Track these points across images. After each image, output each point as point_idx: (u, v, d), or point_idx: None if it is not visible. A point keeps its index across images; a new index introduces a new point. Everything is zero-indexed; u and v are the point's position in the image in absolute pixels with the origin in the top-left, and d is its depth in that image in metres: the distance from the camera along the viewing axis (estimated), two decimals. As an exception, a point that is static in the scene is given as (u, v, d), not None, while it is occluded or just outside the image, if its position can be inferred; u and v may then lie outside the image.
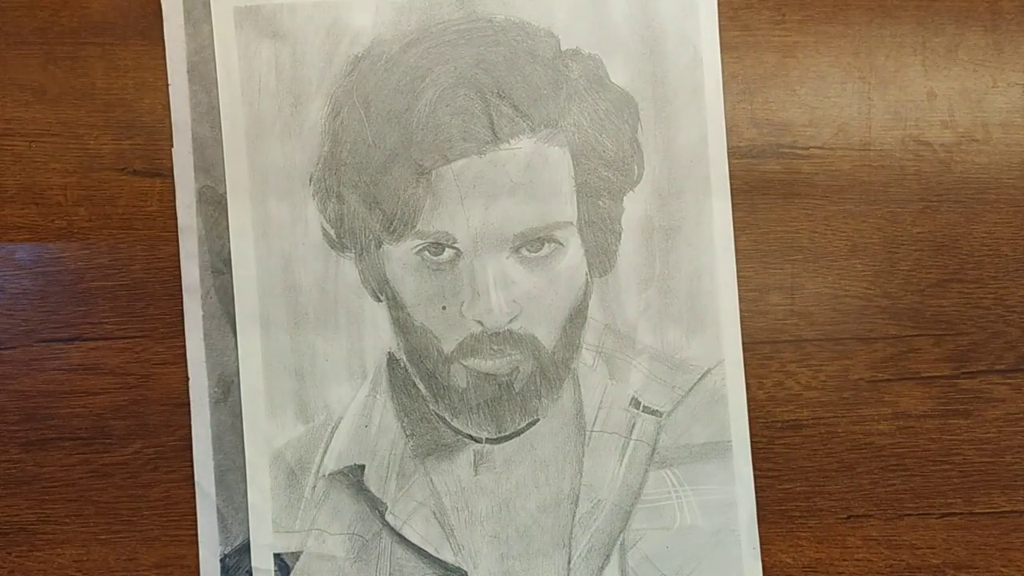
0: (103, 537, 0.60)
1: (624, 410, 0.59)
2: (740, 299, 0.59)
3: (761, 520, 0.59)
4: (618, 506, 0.59)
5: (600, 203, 0.59)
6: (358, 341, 0.60)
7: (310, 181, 0.60)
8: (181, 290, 0.60)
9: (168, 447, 0.60)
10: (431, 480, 0.59)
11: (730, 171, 0.59)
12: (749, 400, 0.59)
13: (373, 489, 0.59)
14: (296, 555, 0.59)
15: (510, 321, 0.59)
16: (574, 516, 0.59)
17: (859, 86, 0.59)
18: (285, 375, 0.60)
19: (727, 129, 0.59)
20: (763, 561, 0.59)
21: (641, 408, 0.59)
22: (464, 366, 0.59)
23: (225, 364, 0.60)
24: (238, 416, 0.60)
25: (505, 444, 0.59)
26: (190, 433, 0.60)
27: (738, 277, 0.59)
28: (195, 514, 0.60)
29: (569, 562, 0.59)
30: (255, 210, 0.60)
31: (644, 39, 0.59)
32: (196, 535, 0.60)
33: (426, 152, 0.58)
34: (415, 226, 0.59)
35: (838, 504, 0.59)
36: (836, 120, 0.59)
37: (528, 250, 0.59)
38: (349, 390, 0.60)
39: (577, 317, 0.59)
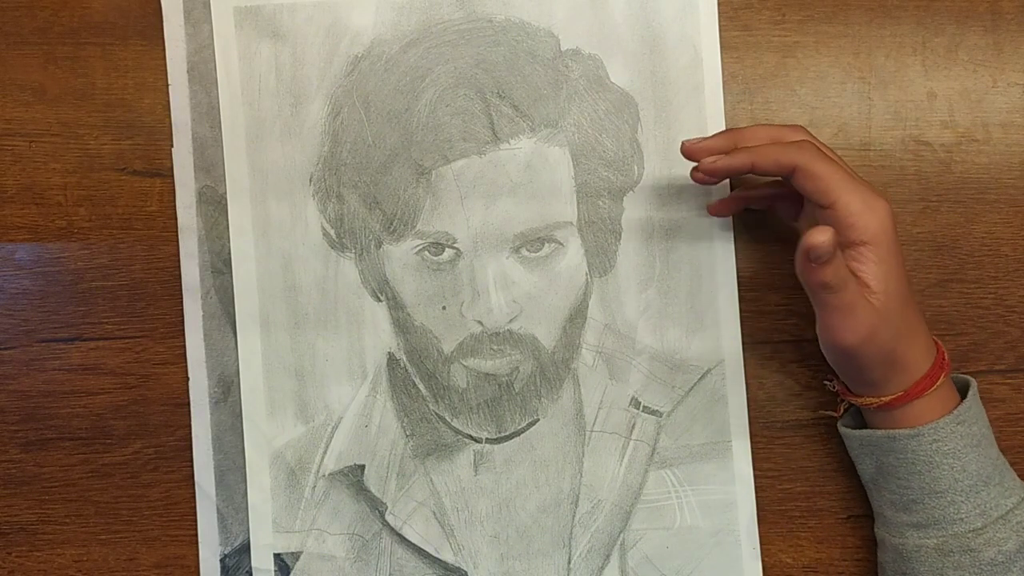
0: (103, 537, 0.60)
1: (624, 410, 0.59)
2: (740, 299, 0.59)
3: (761, 520, 0.59)
4: (618, 506, 0.59)
5: (600, 203, 0.59)
6: (358, 341, 0.60)
7: (310, 181, 0.60)
8: (181, 290, 0.60)
9: (168, 447, 0.60)
10: (431, 480, 0.59)
11: (730, 171, 0.59)
12: (749, 400, 0.59)
13: (373, 489, 0.59)
14: (296, 555, 0.59)
15: (510, 321, 0.59)
16: (574, 516, 0.59)
17: (859, 86, 0.59)
18: (285, 375, 0.60)
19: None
20: (763, 561, 0.59)
21: (641, 408, 0.59)
22: (464, 366, 0.59)
23: (225, 364, 0.60)
24: (238, 416, 0.60)
25: (505, 444, 0.59)
26: (190, 433, 0.60)
27: (738, 277, 0.59)
28: (195, 514, 0.60)
29: (569, 562, 0.59)
30: (255, 210, 0.60)
31: (644, 39, 0.59)
32: (196, 535, 0.60)
33: (426, 152, 0.58)
34: (415, 226, 0.59)
35: (838, 504, 0.59)
36: (836, 120, 0.59)
37: (528, 250, 0.59)
38: (349, 390, 0.60)
39: (577, 317, 0.59)
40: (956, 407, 0.51)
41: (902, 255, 0.50)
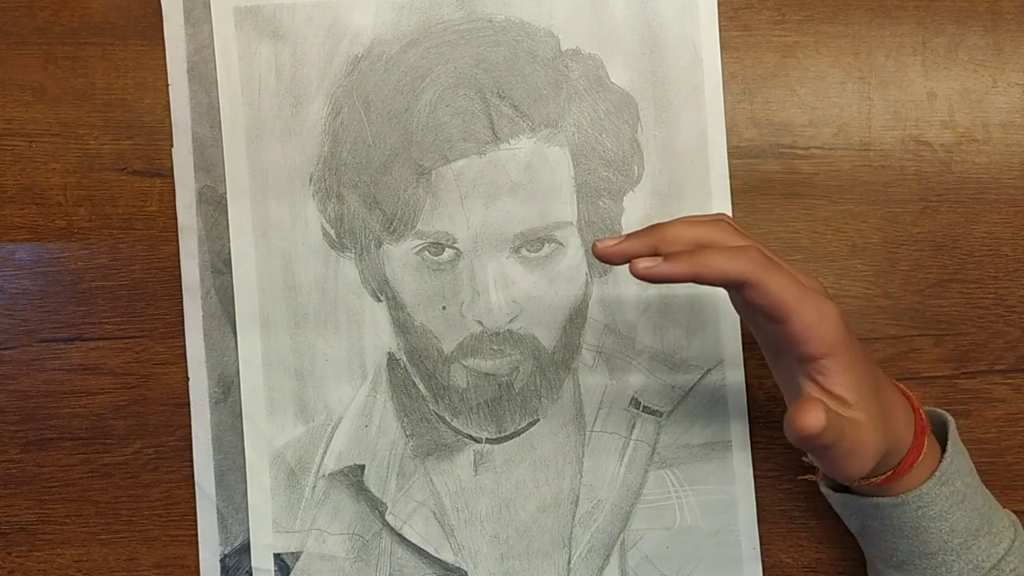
0: (103, 537, 0.60)
1: (624, 410, 0.59)
2: (740, 299, 0.59)
3: (761, 520, 0.59)
4: (618, 506, 0.59)
5: (600, 203, 0.59)
6: (358, 341, 0.60)
7: (310, 181, 0.60)
8: (181, 290, 0.60)
9: (168, 447, 0.60)
10: (431, 480, 0.59)
11: (730, 171, 0.59)
12: (749, 400, 0.59)
13: (373, 489, 0.59)
14: (296, 555, 0.59)
15: (510, 321, 0.59)
16: (574, 516, 0.59)
17: (859, 86, 0.59)
18: (285, 375, 0.60)
19: (727, 129, 0.59)
20: (763, 561, 0.59)
21: (641, 408, 0.59)
22: (464, 366, 0.59)
23: (225, 364, 0.60)
24: (238, 416, 0.60)
25: (505, 444, 0.59)
26: (190, 433, 0.60)
27: (738, 277, 0.59)
28: (195, 514, 0.60)
29: (569, 562, 0.59)
30: (255, 210, 0.60)
31: (644, 39, 0.59)
32: (196, 535, 0.60)
33: (426, 152, 0.58)
34: (415, 226, 0.59)
35: (838, 504, 0.59)
36: (836, 120, 0.59)
37: (528, 250, 0.59)
38: (349, 390, 0.60)
39: (577, 317, 0.59)
40: (938, 466, 0.48)
41: (858, 343, 0.45)
